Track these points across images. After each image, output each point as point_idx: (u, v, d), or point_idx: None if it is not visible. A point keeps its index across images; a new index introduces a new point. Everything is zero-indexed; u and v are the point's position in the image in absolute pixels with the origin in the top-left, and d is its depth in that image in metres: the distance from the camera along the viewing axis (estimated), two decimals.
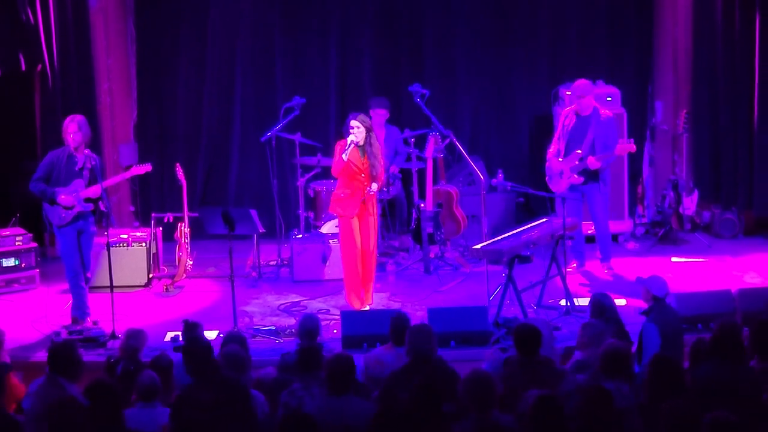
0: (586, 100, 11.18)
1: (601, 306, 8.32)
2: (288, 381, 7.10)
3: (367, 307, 10.38)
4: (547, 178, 11.41)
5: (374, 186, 10.16)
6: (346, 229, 10.25)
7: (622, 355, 6.87)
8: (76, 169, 9.72)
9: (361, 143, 10.08)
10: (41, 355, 9.24)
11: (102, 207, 9.69)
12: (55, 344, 7.49)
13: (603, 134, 11.11)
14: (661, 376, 6.50)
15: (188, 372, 6.95)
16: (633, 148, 11.14)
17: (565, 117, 11.35)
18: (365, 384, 7.56)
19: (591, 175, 11.13)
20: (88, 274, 10.02)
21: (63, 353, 7.08)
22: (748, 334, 7.32)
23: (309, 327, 8.11)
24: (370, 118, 12.50)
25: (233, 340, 7.86)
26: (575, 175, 11.11)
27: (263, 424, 6.77)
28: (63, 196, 9.67)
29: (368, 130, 10.12)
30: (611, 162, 11.28)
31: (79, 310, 9.91)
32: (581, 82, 11.29)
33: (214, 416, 6.50)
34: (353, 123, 10.06)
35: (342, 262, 10.46)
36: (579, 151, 11.04)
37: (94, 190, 9.71)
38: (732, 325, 7.05)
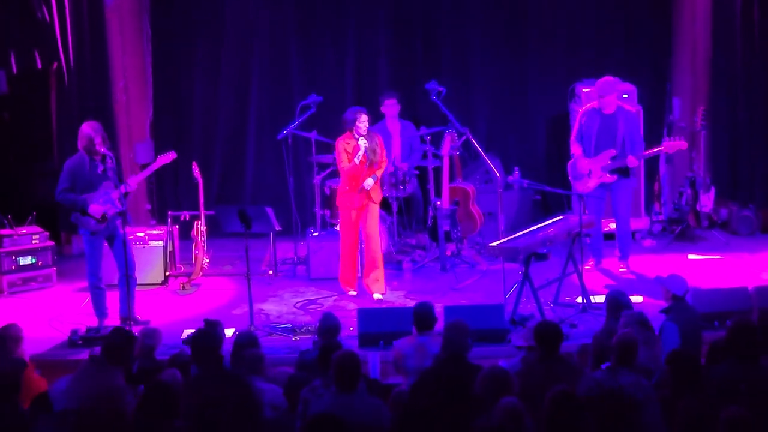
0: (609, 98, 11.08)
1: (617, 303, 8.30)
2: (305, 378, 7.10)
3: (380, 296, 10.59)
4: (571, 178, 11.30)
5: (369, 181, 10.48)
6: (346, 220, 10.65)
7: (635, 344, 6.86)
8: (99, 171, 9.69)
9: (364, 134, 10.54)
10: (58, 353, 9.28)
11: (119, 205, 9.70)
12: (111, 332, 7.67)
13: (631, 131, 11.05)
14: (679, 373, 6.48)
15: (194, 363, 7.01)
16: (684, 144, 11.05)
17: (583, 115, 11.26)
18: (377, 380, 7.57)
19: (622, 172, 11.07)
20: (135, 274, 9.99)
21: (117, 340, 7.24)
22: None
23: (329, 325, 8.15)
24: (383, 115, 12.59)
25: (244, 339, 7.86)
26: (607, 174, 11.03)
27: (280, 419, 6.78)
28: (93, 206, 9.60)
29: None
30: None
31: (98, 311, 9.92)
32: (605, 80, 11.16)
33: (219, 410, 6.52)
34: (365, 117, 10.47)
35: (340, 251, 10.78)
36: (612, 150, 10.96)
37: (126, 189, 9.69)
38: (746, 324, 7.02)
